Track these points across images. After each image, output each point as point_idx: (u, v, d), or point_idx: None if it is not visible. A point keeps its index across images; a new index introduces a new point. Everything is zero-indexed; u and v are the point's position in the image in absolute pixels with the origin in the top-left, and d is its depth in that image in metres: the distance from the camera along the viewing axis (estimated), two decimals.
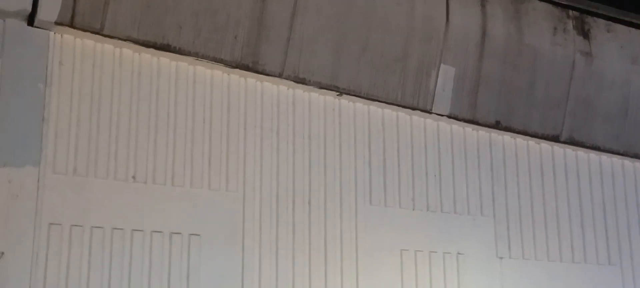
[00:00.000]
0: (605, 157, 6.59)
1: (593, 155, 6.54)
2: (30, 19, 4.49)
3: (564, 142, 6.33)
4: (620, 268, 6.48)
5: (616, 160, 6.66)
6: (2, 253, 4.19)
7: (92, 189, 4.51)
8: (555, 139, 6.27)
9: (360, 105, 5.57)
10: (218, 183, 4.93)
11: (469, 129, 5.99)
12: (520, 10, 6.03)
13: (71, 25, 4.55)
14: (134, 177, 4.66)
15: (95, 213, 4.49)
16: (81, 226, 4.44)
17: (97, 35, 4.65)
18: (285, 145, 5.23)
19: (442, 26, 5.68)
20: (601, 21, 6.44)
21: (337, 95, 5.45)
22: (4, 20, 4.43)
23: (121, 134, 4.67)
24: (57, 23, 4.51)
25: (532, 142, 6.27)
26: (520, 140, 6.21)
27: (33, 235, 4.29)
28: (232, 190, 4.97)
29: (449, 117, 5.83)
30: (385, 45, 5.50)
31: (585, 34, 6.31)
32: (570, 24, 6.25)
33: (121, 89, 4.73)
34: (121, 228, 4.55)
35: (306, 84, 5.30)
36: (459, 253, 5.72)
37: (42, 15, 4.46)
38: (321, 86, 5.35)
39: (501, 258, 5.91)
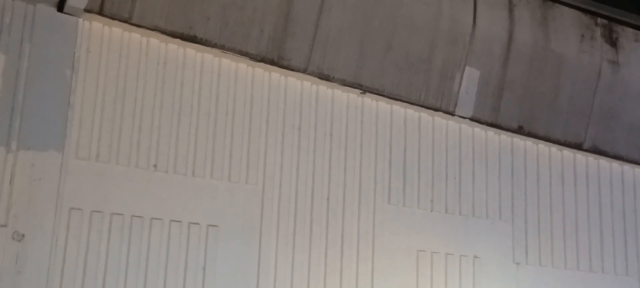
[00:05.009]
0: (627, 168, 6.55)
1: (615, 164, 6.50)
2: (60, 5, 4.55)
3: (587, 150, 6.29)
4: (638, 279, 6.44)
5: (638, 171, 6.61)
6: (23, 235, 4.25)
7: (114, 176, 4.57)
8: (577, 146, 6.24)
9: (383, 104, 5.57)
10: (238, 176, 4.97)
11: (491, 132, 5.98)
12: (547, 16, 6.00)
13: (100, 12, 4.60)
14: (155, 166, 4.71)
15: (116, 200, 4.55)
16: (101, 212, 4.50)
17: (125, 24, 4.69)
18: (306, 140, 5.25)
19: (469, 29, 5.66)
20: (630, 30, 6.38)
21: (360, 93, 5.46)
22: (34, 5, 4.49)
23: (144, 122, 4.71)
24: (87, 10, 4.56)
25: (554, 149, 6.24)
26: (543, 146, 6.19)
27: (53, 219, 4.36)
28: (251, 183, 5.01)
29: (472, 120, 5.82)
30: (411, 46, 5.50)
31: (612, 42, 6.27)
32: (598, 32, 6.21)
33: (146, 78, 4.77)
34: (140, 216, 4.60)
35: (330, 81, 5.31)
36: (475, 257, 5.72)
37: (72, 1, 4.51)
38: (345, 83, 5.36)
39: (518, 263, 5.90)
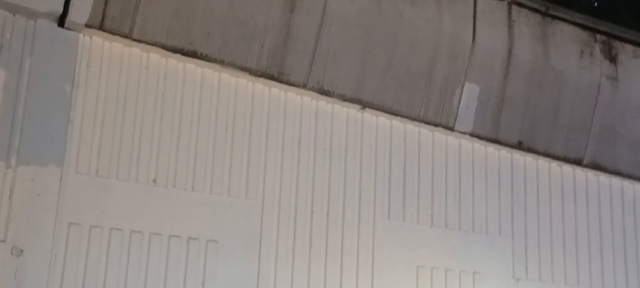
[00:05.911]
0: (627, 183, 6.55)
1: (615, 180, 6.49)
2: (61, 20, 4.55)
3: (587, 166, 6.29)
4: None
5: (638, 186, 6.60)
6: (22, 250, 4.24)
7: (113, 191, 4.56)
8: (577, 162, 6.24)
9: (383, 119, 5.58)
10: (238, 191, 4.96)
11: (491, 148, 5.98)
12: (547, 32, 6.01)
13: (101, 28, 4.61)
14: (154, 181, 4.71)
15: (115, 215, 4.55)
16: (100, 227, 4.49)
17: (125, 39, 4.70)
18: (306, 155, 5.26)
19: (469, 45, 5.67)
20: (629, 46, 6.40)
21: (360, 108, 5.46)
22: (35, 21, 4.50)
23: (144, 137, 4.71)
24: (87, 25, 4.57)
25: (554, 165, 6.24)
26: (542, 161, 6.19)
27: (53, 234, 4.35)
28: (251, 197, 5.01)
29: (472, 135, 5.82)
30: (411, 61, 5.51)
31: (612, 58, 6.28)
32: (597, 48, 6.22)
33: (146, 93, 4.78)
34: (140, 231, 4.60)
35: (330, 96, 5.32)
36: (475, 273, 5.71)
37: (72, 16, 4.53)
38: (345, 99, 5.37)
39: (518, 279, 5.88)
